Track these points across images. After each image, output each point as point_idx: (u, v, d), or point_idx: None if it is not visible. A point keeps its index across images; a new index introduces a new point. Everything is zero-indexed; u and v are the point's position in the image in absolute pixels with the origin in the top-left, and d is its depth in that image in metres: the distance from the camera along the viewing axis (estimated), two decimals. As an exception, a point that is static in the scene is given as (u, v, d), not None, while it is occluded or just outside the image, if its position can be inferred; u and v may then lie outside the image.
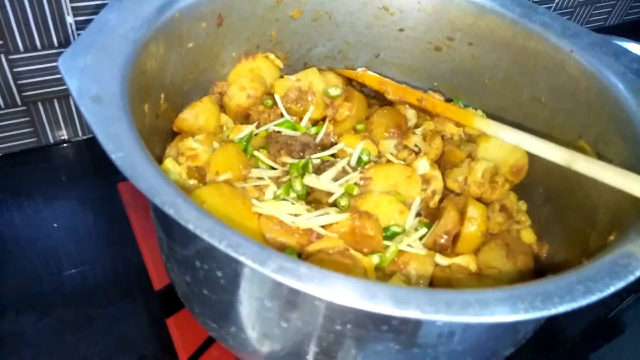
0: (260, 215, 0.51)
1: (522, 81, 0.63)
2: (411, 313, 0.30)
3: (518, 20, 0.62)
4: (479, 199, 0.60)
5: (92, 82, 0.40)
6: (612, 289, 0.33)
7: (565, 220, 0.57)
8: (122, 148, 0.36)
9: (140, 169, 0.35)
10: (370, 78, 0.68)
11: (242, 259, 0.31)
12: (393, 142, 0.65)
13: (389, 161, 0.61)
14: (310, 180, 0.56)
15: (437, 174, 0.61)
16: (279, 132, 0.63)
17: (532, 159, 0.63)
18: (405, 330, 0.37)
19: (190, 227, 0.32)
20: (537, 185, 0.63)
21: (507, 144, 0.62)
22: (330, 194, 0.56)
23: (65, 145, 0.83)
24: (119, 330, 0.60)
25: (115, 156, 0.35)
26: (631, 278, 0.34)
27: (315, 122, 0.67)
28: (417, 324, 0.36)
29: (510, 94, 0.65)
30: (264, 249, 0.32)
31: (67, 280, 0.65)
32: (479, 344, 0.41)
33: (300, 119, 0.65)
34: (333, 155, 0.62)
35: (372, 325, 0.36)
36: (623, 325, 0.70)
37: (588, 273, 0.34)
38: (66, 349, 0.58)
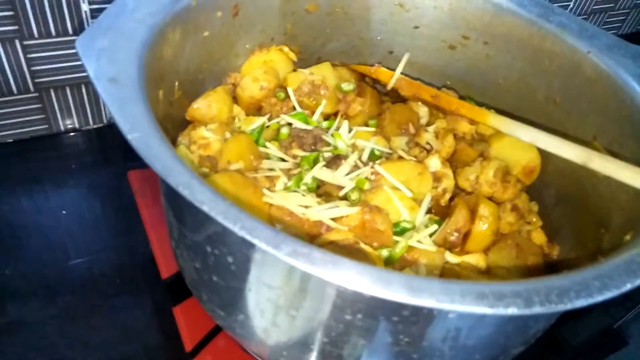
0: (270, 205, 0.51)
1: (537, 82, 0.63)
2: (426, 302, 0.30)
3: (535, 20, 0.62)
4: (490, 199, 0.59)
5: (110, 64, 0.40)
6: (628, 286, 0.32)
7: (577, 222, 0.57)
8: (138, 129, 0.36)
9: (155, 150, 0.35)
10: (384, 73, 0.68)
11: (256, 241, 0.31)
12: (405, 139, 0.64)
13: (400, 157, 0.61)
14: (322, 173, 0.56)
15: (449, 172, 0.61)
16: (290, 124, 0.62)
17: (545, 160, 0.63)
18: (415, 322, 0.36)
19: (205, 208, 0.32)
20: (549, 187, 0.62)
21: (519, 144, 0.62)
22: (340, 187, 0.56)
23: (75, 133, 0.83)
24: (124, 319, 0.60)
25: (131, 136, 0.35)
26: (648, 276, 0.33)
27: (327, 117, 0.67)
28: (428, 316, 0.36)
29: (524, 94, 0.65)
30: (278, 233, 0.32)
31: (74, 268, 0.64)
32: (488, 341, 0.41)
33: (312, 112, 0.65)
34: (344, 150, 0.62)
35: (383, 315, 0.36)
36: (627, 336, 0.69)
37: (604, 270, 0.34)
38: (71, 337, 0.57)
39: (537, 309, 0.30)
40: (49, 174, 0.76)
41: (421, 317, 0.36)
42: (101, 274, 0.64)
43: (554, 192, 0.62)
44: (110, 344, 0.57)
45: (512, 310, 0.30)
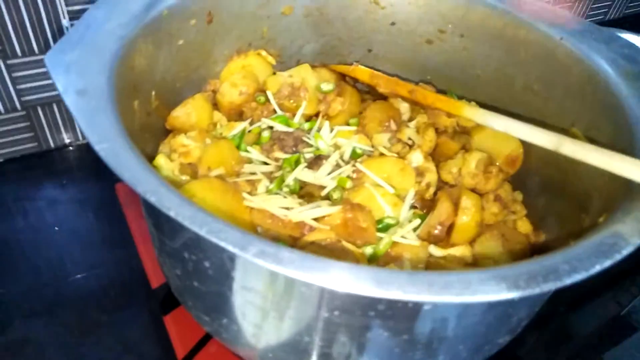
0: (252, 209, 0.51)
1: (514, 71, 0.63)
2: (392, 293, 0.30)
3: (508, 10, 0.62)
4: (473, 190, 0.59)
5: (78, 77, 0.40)
6: (597, 268, 0.32)
7: (560, 208, 0.57)
8: (107, 139, 0.36)
9: (124, 160, 0.35)
10: (362, 72, 0.68)
11: (223, 244, 0.31)
12: (387, 135, 0.64)
13: (382, 154, 0.61)
14: (304, 174, 0.56)
15: (431, 166, 0.61)
16: (272, 127, 0.63)
17: (528, 149, 0.63)
18: (392, 316, 0.36)
19: (172, 214, 0.32)
20: (533, 175, 0.62)
21: (501, 135, 0.61)
22: (322, 187, 0.56)
23: (65, 149, 0.84)
24: (122, 332, 0.60)
25: (99, 147, 0.35)
26: (617, 257, 0.33)
27: (308, 118, 0.67)
28: (403, 309, 0.36)
29: (503, 84, 0.65)
30: (246, 235, 0.32)
31: (71, 284, 0.65)
32: (470, 331, 0.41)
33: (293, 115, 0.65)
34: (326, 150, 0.62)
35: (359, 311, 0.36)
36: (636, 323, 0.69)
37: (574, 253, 0.34)
38: (72, 353, 0.58)
39: (504, 295, 0.30)
40: (41, 191, 0.77)
41: (397, 310, 0.36)
42: (97, 289, 0.65)
43: (538, 180, 0.61)
44: (109, 357, 0.58)
45: (478, 298, 0.30)
